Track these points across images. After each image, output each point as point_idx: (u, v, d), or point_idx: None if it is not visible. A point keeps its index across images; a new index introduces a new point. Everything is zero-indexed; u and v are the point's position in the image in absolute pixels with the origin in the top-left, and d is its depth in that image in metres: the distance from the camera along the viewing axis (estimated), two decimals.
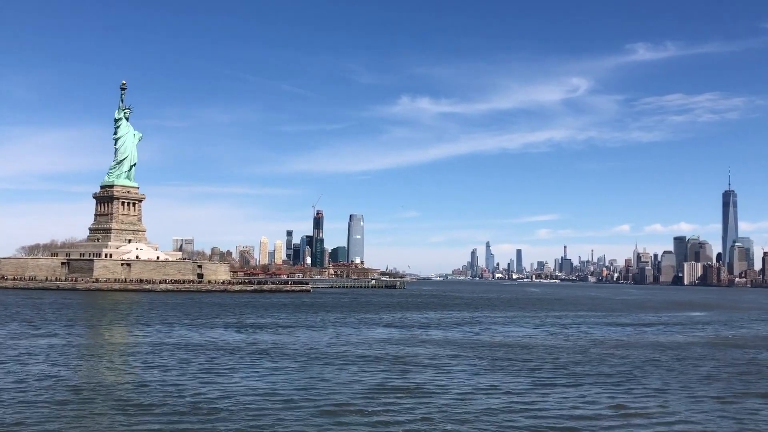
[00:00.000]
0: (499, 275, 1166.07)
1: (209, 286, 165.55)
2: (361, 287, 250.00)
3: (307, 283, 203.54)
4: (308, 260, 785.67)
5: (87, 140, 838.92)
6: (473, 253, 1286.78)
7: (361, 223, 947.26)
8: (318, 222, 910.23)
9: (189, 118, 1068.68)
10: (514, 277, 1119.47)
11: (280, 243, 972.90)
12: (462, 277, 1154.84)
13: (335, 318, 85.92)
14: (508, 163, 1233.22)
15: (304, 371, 39.84)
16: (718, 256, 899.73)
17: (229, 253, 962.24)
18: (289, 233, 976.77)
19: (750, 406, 32.29)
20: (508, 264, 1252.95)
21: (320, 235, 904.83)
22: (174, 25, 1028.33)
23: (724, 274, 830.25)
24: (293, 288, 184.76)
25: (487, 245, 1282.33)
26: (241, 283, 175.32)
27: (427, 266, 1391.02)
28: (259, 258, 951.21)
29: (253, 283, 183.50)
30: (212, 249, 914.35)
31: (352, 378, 37.66)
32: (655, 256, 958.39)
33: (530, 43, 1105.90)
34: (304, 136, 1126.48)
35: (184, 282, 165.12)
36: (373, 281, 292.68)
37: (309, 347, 51.98)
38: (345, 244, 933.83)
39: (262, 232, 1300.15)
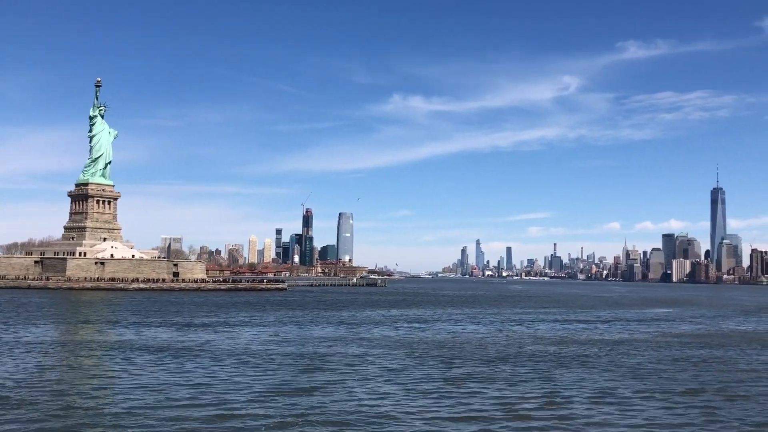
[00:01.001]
0: (489, 273, 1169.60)
1: (182, 285, 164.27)
2: (342, 285, 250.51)
3: (283, 282, 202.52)
4: (296, 259, 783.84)
5: (79, 139, 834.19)
6: (463, 251, 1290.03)
7: (351, 222, 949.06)
8: (307, 220, 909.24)
9: (182, 117, 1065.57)
10: (504, 274, 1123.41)
11: (270, 241, 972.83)
12: (452, 275, 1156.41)
13: (290, 316, 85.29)
14: (500, 162, 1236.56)
15: (211, 370, 39.17)
16: (707, 253, 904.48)
17: (218, 251, 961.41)
18: (279, 231, 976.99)
19: (652, 404, 31.72)
20: (498, 262, 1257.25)
21: (309, 233, 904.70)
22: (168, 25, 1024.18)
23: (712, 271, 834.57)
24: (268, 286, 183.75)
25: (477, 243, 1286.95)
26: (215, 282, 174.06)
27: (418, 264, 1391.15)
28: (249, 256, 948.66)
29: (228, 282, 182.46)
30: (201, 247, 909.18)
31: (255, 377, 37.03)
32: (645, 253, 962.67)
33: (522, 42, 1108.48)
34: (297, 136, 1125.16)
35: (156, 281, 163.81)
36: (355, 279, 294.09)
37: (239, 346, 51.24)
38: (335, 243, 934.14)
39: (253, 230, 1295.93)
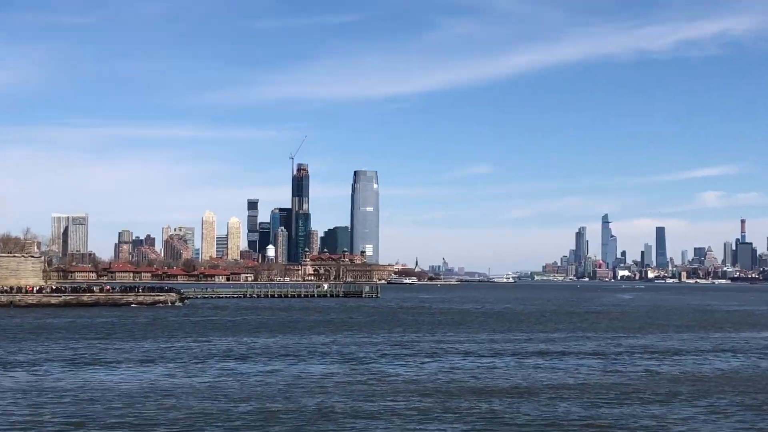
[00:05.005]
0: (625, 273, 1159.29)
1: None
2: (300, 296, 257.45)
3: (177, 291, 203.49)
4: (270, 252, 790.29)
5: None
6: (580, 235, 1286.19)
7: (375, 186, 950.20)
8: (300, 185, 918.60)
9: (96, 9, 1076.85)
10: (650, 275, 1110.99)
11: (237, 222, 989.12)
12: (559, 277, 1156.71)
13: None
14: (651, 77, 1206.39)
15: None
16: None
17: (150, 239, 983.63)
18: (253, 205, 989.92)
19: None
20: (642, 253, 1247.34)
21: (304, 207, 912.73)
22: None
23: None
24: (143, 299, 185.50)
25: (605, 221, 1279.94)
26: (39, 293, 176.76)
27: (500, 259, 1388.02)
28: (201, 247, 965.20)
29: (64, 291, 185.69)
30: (121, 233, 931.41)
31: None
32: None
33: None
34: (289, 38, 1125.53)
35: None
36: (326, 286, 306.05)
37: None
38: (347, 223, 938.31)
39: (210, 203, 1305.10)
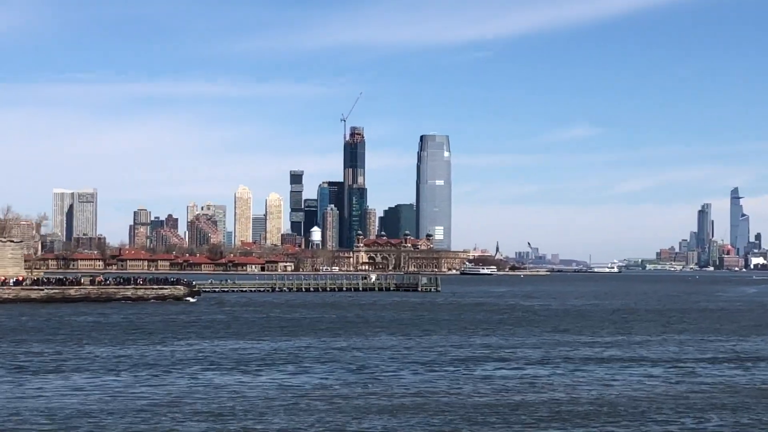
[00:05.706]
0: (760, 261, 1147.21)
1: None
2: (341, 290, 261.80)
3: (187, 284, 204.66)
4: (316, 236, 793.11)
5: None
6: (703, 214, 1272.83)
7: (446, 154, 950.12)
8: (354, 153, 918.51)
9: None
10: None
11: (278, 198, 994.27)
12: (677, 266, 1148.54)
13: None
14: None
15: None
16: None
17: (171, 219, 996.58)
18: (297, 178, 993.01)
19: None
20: None
21: (358, 180, 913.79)
22: None
23: None
24: (143, 293, 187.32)
25: (735, 197, 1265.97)
26: (16, 286, 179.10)
27: (603, 244, 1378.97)
28: (235, 229, 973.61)
29: (47, 283, 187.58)
30: (137, 212, 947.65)
31: None
32: None
33: None
34: None
35: None
36: (374, 278, 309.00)
37: None
38: (411, 200, 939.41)
39: (243, 176, 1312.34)
